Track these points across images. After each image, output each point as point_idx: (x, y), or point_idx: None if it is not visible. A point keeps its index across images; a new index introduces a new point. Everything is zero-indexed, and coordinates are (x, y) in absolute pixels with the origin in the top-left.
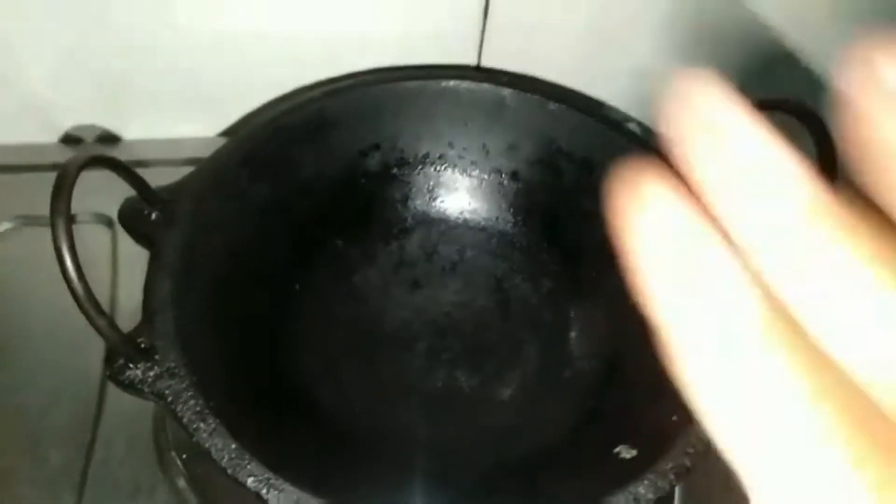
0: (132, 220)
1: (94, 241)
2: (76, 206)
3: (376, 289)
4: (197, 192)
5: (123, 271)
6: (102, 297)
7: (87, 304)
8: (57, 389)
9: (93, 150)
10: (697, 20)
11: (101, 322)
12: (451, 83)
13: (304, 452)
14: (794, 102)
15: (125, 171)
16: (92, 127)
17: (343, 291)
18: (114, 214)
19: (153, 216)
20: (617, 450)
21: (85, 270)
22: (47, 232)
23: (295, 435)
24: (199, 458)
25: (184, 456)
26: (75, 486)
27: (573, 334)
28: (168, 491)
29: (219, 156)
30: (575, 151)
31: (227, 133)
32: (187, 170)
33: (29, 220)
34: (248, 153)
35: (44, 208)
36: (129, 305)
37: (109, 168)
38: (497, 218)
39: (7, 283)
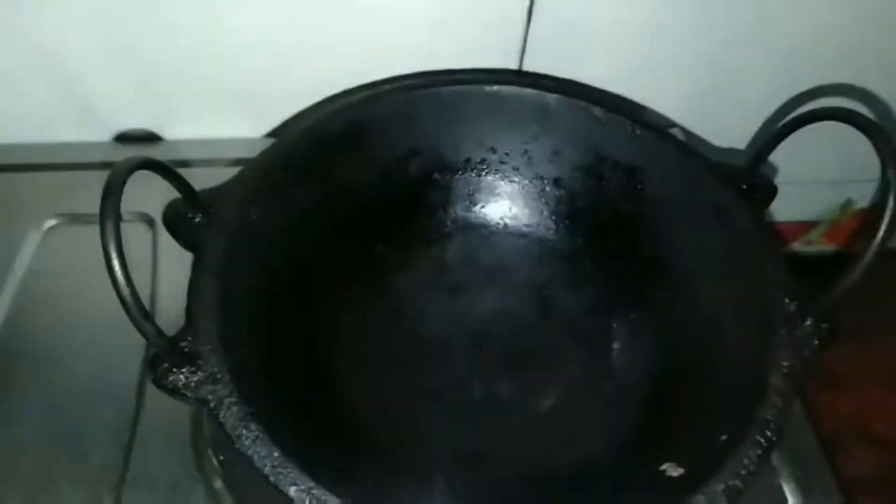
0: (176, 223)
1: (134, 240)
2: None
3: (415, 295)
4: (240, 196)
5: (163, 271)
6: (143, 295)
7: (135, 309)
8: (97, 389)
9: (140, 152)
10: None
11: (148, 328)
12: (495, 88)
13: (341, 460)
14: (860, 115)
15: (172, 175)
16: (137, 126)
17: (382, 297)
18: (154, 213)
19: (197, 220)
20: (663, 467)
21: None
22: (90, 230)
23: (331, 443)
24: (235, 460)
25: (221, 457)
26: (114, 487)
27: (616, 346)
28: (205, 492)
29: (261, 161)
30: (620, 159)
31: (272, 134)
32: (232, 171)
33: (72, 218)
34: (289, 158)
35: (87, 206)
36: (168, 305)
37: (157, 172)
38: (538, 225)
39: (50, 280)
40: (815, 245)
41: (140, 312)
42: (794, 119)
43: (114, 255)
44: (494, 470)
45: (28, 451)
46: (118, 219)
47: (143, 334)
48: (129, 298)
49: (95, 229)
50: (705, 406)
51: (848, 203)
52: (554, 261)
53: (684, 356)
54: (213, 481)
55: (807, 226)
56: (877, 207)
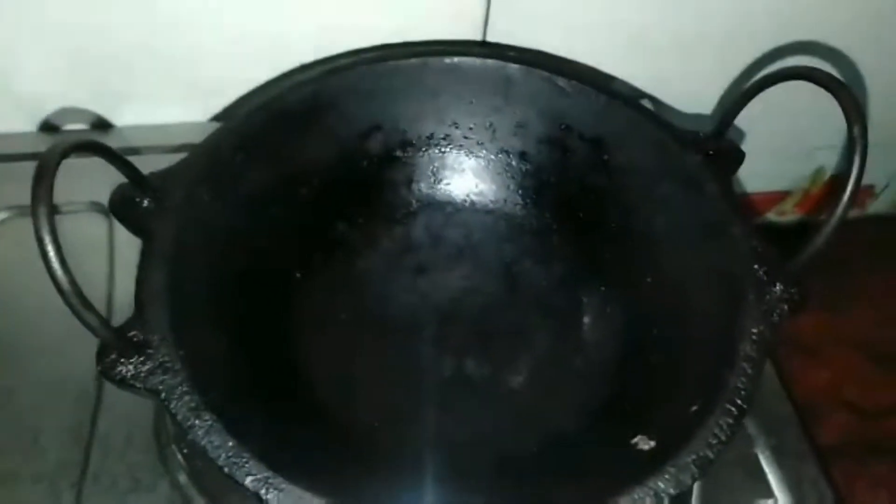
0: (124, 208)
1: (89, 230)
2: (71, 195)
3: (381, 275)
4: (190, 178)
5: (120, 262)
6: (99, 289)
7: (73, 297)
8: (54, 385)
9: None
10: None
11: (89, 316)
12: (455, 59)
13: (307, 447)
14: (823, 73)
15: (113, 156)
16: (83, 112)
17: (346, 278)
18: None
19: (145, 203)
20: (634, 440)
21: (80, 261)
22: None
23: (297, 429)
24: (199, 453)
25: (185, 450)
26: (74, 483)
27: (586, 320)
28: (169, 486)
29: (212, 141)
30: (586, 129)
31: (219, 118)
32: (180, 156)
33: (23, 211)
34: (242, 137)
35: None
36: (127, 297)
37: (97, 154)
38: (505, 200)
39: (2, 274)
40: (788, 215)
41: (79, 301)
42: (757, 81)
43: (47, 240)
44: (464, 448)
45: None
46: (51, 201)
47: (85, 323)
48: (66, 285)
49: None
50: (676, 377)
51: (819, 171)
52: (521, 236)
53: (655, 328)
54: (178, 475)
55: (780, 196)
56: (844, 173)
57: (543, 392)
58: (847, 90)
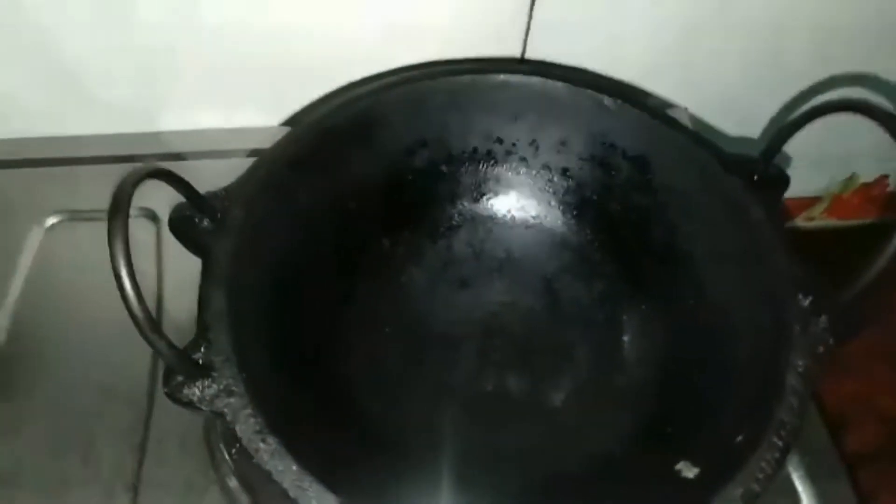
0: (183, 227)
1: (138, 235)
2: None
3: (423, 289)
4: (246, 197)
5: (168, 267)
6: (149, 293)
7: (147, 327)
8: (107, 388)
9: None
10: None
11: (160, 344)
12: (501, 77)
13: (354, 462)
14: (881, 110)
15: (178, 181)
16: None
17: (389, 292)
18: (157, 208)
19: (204, 223)
20: (678, 466)
21: None
22: (93, 227)
23: (345, 444)
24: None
25: (233, 451)
26: (129, 487)
27: (626, 338)
28: (220, 491)
29: (266, 159)
30: (629, 148)
31: (290, 123)
32: (247, 162)
33: (75, 215)
34: (295, 155)
35: (89, 202)
36: (175, 303)
37: (163, 179)
38: (546, 216)
39: (54, 279)
40: (817, 220)
41: (151, 328)
42: (808, 111)
43: (124, 273)
44: (505, 466)
45: (38, 452)
46: (127, 234)
47: (156, 350)
48: (140, 316)
49: (98, 226)
50: (718, 403)
51: (852, 178)
52: (563, 252)
53: (696, 349)
54: (228, 480)
55: (810, 201)
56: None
57: (584, 411)
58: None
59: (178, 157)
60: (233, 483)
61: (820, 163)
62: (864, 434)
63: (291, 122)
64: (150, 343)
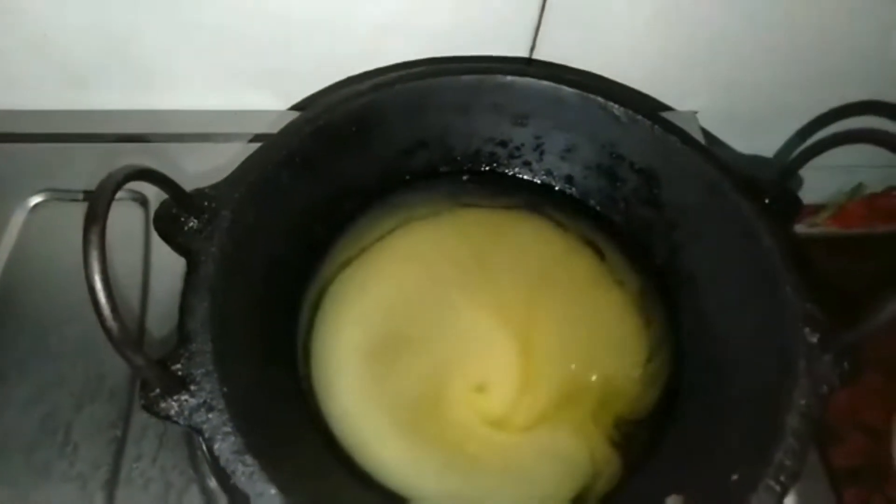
0: (168, 227)
1: (126, 220)
2: None
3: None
4: (236, 198)
5: (157, 253)
6: (135, 283)
7: (122, 344)
8: (88, 377)
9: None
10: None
11: (137, 359)
12: (509, 79)
13: (340, 488)
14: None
15: (163, 181)
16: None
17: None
18: (149, 193)
19: (191, 223)
20: (668, 501)
21: (117, 251)
22: (79, 207)
23: (331, 468)
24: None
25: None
26: (106, 484)
27: None
28: (199, 491)
29: (257, 158)
30: (638, 160)
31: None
32: (251, 147)
33: (59, 195)
34: (287, 154)
35: (76, 182)
36: (162, 294)
37: (146, 180)
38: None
39: (37, 260)
40: (819, 227)
41: (129, 346)
42: (827, 138)
43: (99, 289)
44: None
45: (15, 443)
46: (104, 243)
47: (133, 367)
48: (116, 332)
49: (84, 207)
50: (714, 437)
51: (858, 188)
52: None
53: (694, 376)
54: (208, 479)
55: (815, 209)
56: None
57: None
58: None
59: (175, 137)
60: (212, 483)
61: (828, 171)
62: (851, 447)
63: (299, 107)
64: (125, 359)
